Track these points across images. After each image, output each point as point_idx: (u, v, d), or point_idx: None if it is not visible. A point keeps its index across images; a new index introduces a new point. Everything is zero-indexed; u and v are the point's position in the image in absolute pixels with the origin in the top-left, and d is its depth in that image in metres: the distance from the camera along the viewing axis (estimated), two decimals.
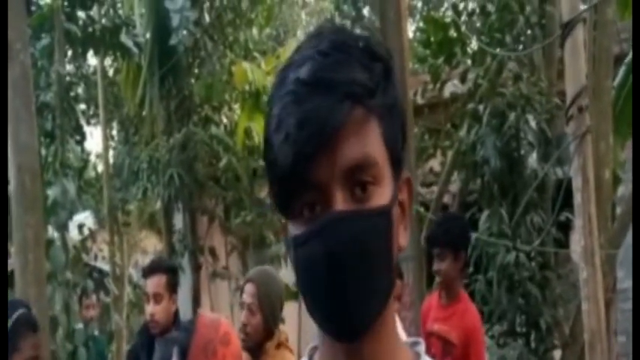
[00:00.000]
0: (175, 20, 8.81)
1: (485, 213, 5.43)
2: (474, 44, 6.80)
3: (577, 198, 3.09)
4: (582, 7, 3.59)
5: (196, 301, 9.14)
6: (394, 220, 0.88)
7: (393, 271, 0.89)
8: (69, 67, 9.29)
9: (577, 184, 3.09)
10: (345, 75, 0.85)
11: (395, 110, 0.91)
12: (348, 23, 9.12)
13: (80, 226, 8.51)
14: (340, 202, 0.84)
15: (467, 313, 3.83)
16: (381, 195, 0.87)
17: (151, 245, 11.71)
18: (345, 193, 0.85)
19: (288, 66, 0.90)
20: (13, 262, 5.39)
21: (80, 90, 10.04)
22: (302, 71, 0.86)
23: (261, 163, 8.80)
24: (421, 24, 9.30)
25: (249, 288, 3.27)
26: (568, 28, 3.22)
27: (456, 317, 3.76)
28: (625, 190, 5.82)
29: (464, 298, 3.91)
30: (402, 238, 0.91)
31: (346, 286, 0.84)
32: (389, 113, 0.89)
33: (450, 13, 8.13)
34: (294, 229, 0.88)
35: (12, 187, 5.39)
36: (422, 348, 0.97)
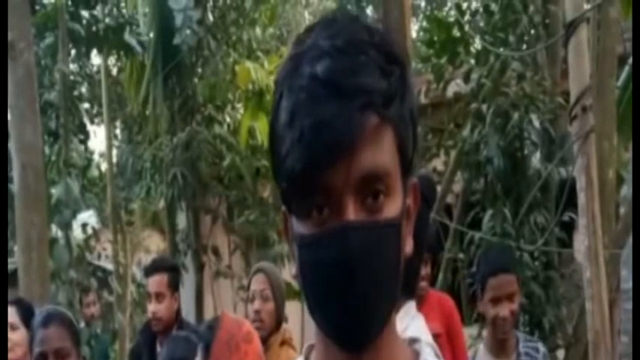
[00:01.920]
0: (179, 19, 8.83)
1: (489, 213, 5.42)
2: (477, 44, 6.79)
3: (581, 198, 3.09)
4: (586, 6, 3.58)
5: (199, 300, 9.15)
6: (403, 230, 0.88)
7: (398, 282, 0.88)
8: (72, 66, 9.30)
9: (581, 183, 3.08)
10: (365, 81, 0.83)
11: (409, 117, 0.89)
12: None
13: (84, 225, 8.53)
14: (352, 212, 0.83)
15: (441, 300, 3.82)
16: (392, 206, 0.86)
17: (154, 244, 11.72)
18: (356, 202, 0.84)
19: (301, 54, 0.86)
20: (17, 261, 5.41)
21: (84, 89, 10.06)
22: (318, 67, 0.83)
23: (265, 162, 8.82)
24: (424, 23, 9.31)
25: (259, 277, 3.27)
26: (572, 27, 3.22)
27: (435, 309, 3.74)
28: (628, 190, 5.81)
29: (432, 293, 3.88)
30: (408, 245, 0.90)
31: (354, 297, 0.83)
32: (404, 122, 0.88)
33: (453, 12, 8.13)
34: (300, 228, 0.87)
35: (16, 185, 5.40)
36: (421, 345, 0.96)
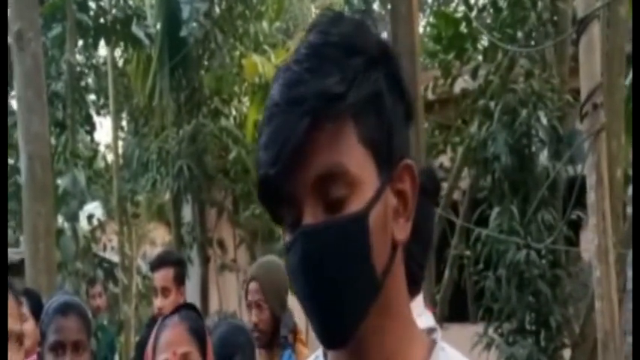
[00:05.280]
0: (186, 12, 8.82)
1: (496, 210, 5.40)
2: (485, 40, 6.76)
3: (591, 196, 3.07)
4: (597, 4, 3.56)
5: (205, 293, 9.16)
6: (374, 223, 0.85)
7: (376, 275, 0.86)
8: (79, 58, 9.30)
9: (591, 181, 3.07)
10: (310, 87, 0.84)
11: (378, 100, 0.87)
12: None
13: (89, 217, 8.53)
14: (309, 216, 0.84)
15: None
16: (356, 201, 0.85)
17: (160, 237, 11.75)
18: (315, 206, 0.85)
19: (277, 73, 0.89)
20: (23, 251, 5.41)
21: (90, 80, 10.05)
22: (276, 87, 0.87)
23: None
24: (431, 19, 9.27)
25: (252, 286, 3.26)
26: (583, 24, 3.20)
27: None
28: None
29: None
30: (400, 231, 0.88)
31: (321, 297, 0.85)
32: (368, 106, 0.86)
33: (461, 8, 8.10)
34: (285, 237, 0.90)
35: (23, 176, 5.40)
36: (439, 335, 0.95)
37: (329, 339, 0.87)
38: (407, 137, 0.91)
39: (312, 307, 0.86)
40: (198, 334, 2.16)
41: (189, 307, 2.33)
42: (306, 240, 0.84)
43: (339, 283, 0.84)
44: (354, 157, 0.85)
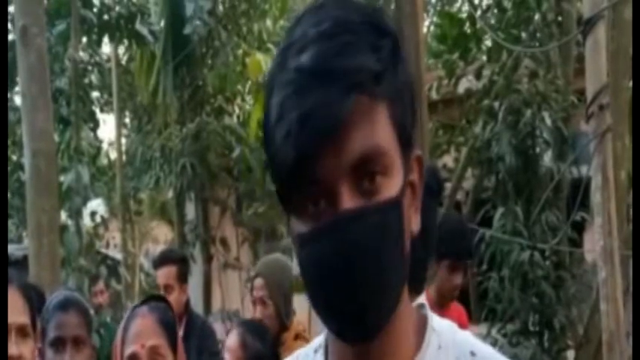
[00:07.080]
0: (189, 10, 8.82)
1: (500, 210, 5.41)
2: (489, 40, 6.76)
3: (596, 197, 3.06)
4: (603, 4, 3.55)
5: (207, 292, 9.17)
6: (405, 210, 0.83)
7: (405, 264, 0.84)
8: (82, 54, 9.30)
9: (597, 183, 3.05)
10: (351, 61, 0.80)
11: (405, 89, 0.86)
12: None
13: (92, 214, 8.53)
14: (347, 200, 0.80)
15: (461, 318, 3.73)
16: (391, 186, 0.82)
17: (162, 235, 11.77)
18: (351, 189, 0.80)
19: (288, 47, 0.83)
20: (27, 247, 5.42)
21: (94, 77, 10.06)
22: (304, 57, 0.80)
23: None
24: (436, 19, 9.27)
25: (258, 282, 3.28)
26: (589, 24, 3.19)
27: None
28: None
29: (455, 306, 3.80)
30: (414, 223, 0.87)
31: (358, 288, 0.80)
32: (399, 94, 0.84)
33: (465, 8, 8.10)
34: (299, 226, 0.84)
35: (27, 172, 5.41)
36: (427, 310, 0.93)
37: (362, 332, 0.82)
38: (415, 130, 0.89)
39: (342, 300, 0.80)
40: (168, 326, 2.11)
41: (159, 298, 2.31)
42: (344, 227, 0.79)
43: (376, 273, 0.80)
44: (389, 139, 0.82)
